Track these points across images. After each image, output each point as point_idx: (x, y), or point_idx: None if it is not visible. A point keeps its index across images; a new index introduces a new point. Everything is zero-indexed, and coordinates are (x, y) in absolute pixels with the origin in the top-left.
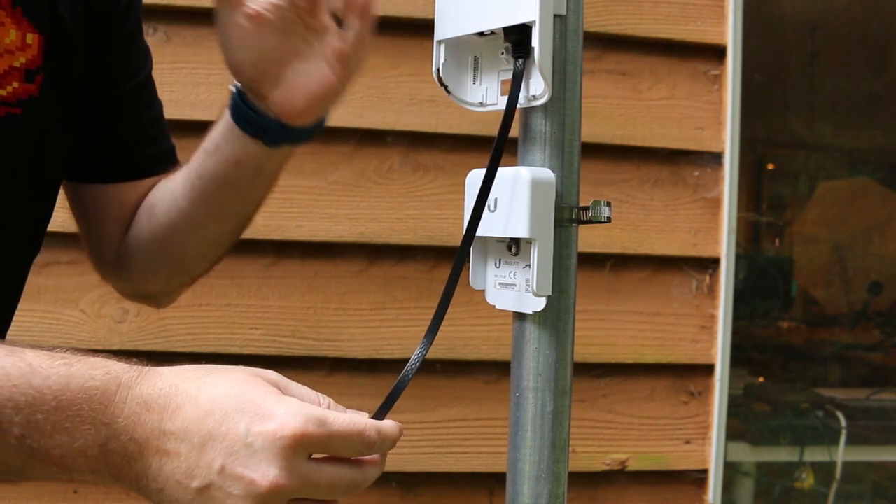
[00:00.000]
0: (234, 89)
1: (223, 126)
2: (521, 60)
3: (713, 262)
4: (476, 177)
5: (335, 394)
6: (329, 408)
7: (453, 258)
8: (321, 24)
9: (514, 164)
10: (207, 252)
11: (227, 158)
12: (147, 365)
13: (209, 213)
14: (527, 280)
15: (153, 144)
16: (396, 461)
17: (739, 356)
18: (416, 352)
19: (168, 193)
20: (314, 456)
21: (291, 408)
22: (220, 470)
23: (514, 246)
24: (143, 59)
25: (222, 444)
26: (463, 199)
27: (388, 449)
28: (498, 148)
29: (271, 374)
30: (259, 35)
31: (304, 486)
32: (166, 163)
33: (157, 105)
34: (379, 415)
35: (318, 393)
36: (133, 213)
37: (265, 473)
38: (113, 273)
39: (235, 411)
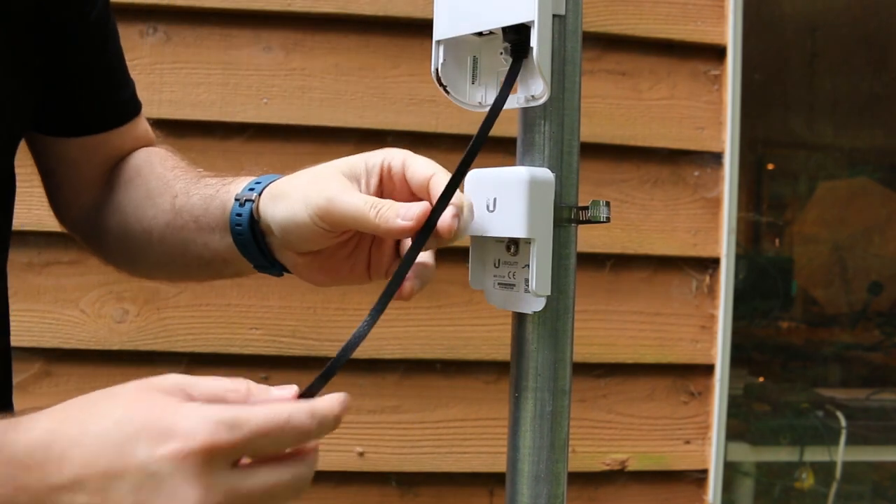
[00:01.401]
0: (245, 218)
1: (221, 225)
2: (515, 62)
3: (713, 262)
4: (476, 176)
5: None
6: (248, 392)
7: (454, 258)
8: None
9: (514, 164)
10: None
11: (216, 252)
12: (12, 416)
13: (179, 272)
14: (526, 280)
15: (119, 88)
16: (396, 461)
17: (739, 356)
18: (363, 323)
19: (142, 223)
20: (243, 461)
21: (194, 417)
22: None
23: (514, 246)
24: None
25: (125, 480)
26: None
27: (332, 429)
28: (478, 141)
29: (170, 379)
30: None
31: (236, 501)
32: (131, 109)
33: (118, 39)
34: (310, 392)
35: (234, 379)
36: (101, 172)
37: (184, 500)
38: (82, 239)
39: (130, 439)
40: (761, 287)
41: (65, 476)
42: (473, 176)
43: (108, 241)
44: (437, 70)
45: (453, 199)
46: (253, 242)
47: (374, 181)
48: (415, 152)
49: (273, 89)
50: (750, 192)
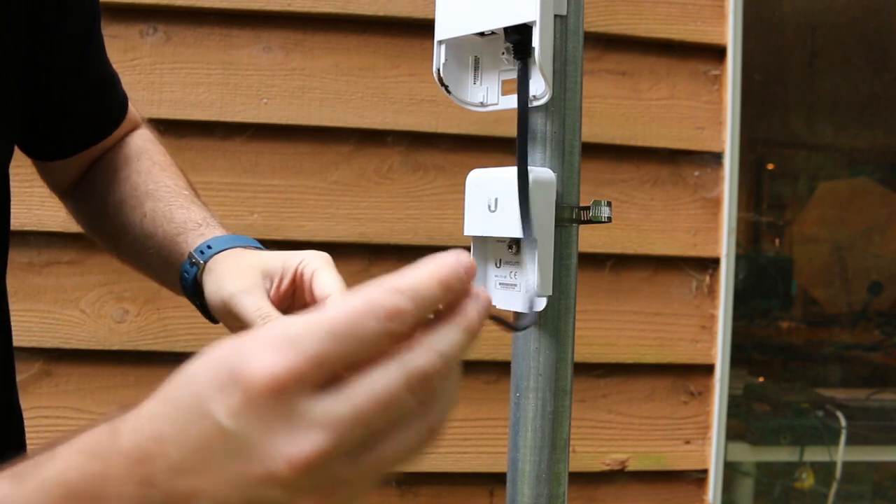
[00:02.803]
0: (190, 277)
1: (176, 267)
2: (522, 64)
3: (713, 262)
4: (476, 177)
5: None
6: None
7: None
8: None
9: (515, 164)
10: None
11: (174, 284)
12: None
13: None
14: (528, 280)
15: (109, 88)
16: None
17: (739, 356)
18: None
19: (114, 224)
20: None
21: (249, 348)
22: (235, 481)
23: (515, 246)
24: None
25: (216, 451)
26: (463, 200)
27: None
28: (522, 150)
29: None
30: None
31: (340, 434)
32: (121, 112)
33: (102, 48)
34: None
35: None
36: (94, 160)
37: (279, 458)
38: (71, 211)
39: (202, 398)
40: (761, 287)
41: (172, 459)
42: (474, 176)
43: (92, 217)
44: (438, 70)
45: None
46: (195, 296)
47: (286, 282)
48: (415, 152)
49: (273, 89)
50: (750, 192)
